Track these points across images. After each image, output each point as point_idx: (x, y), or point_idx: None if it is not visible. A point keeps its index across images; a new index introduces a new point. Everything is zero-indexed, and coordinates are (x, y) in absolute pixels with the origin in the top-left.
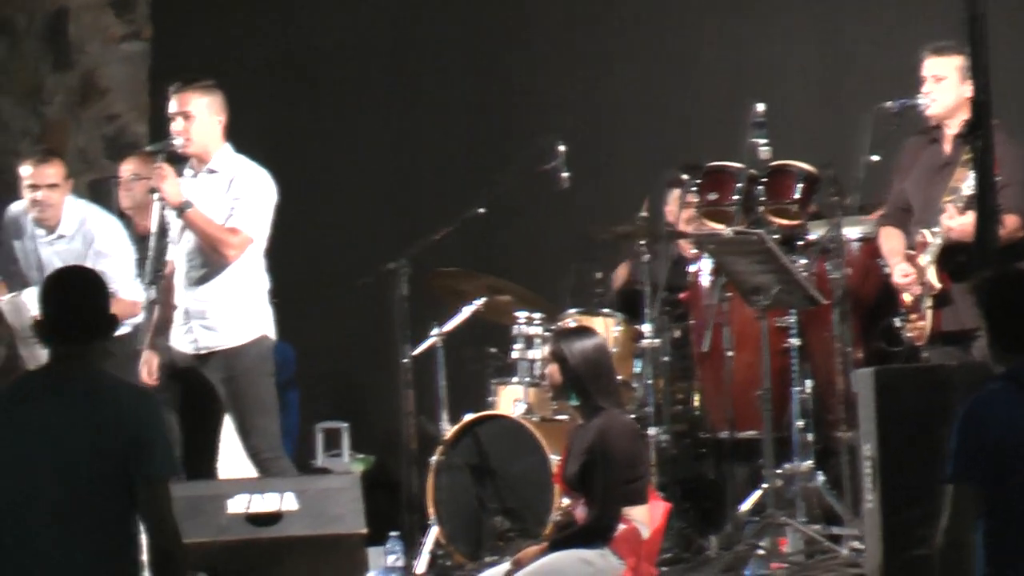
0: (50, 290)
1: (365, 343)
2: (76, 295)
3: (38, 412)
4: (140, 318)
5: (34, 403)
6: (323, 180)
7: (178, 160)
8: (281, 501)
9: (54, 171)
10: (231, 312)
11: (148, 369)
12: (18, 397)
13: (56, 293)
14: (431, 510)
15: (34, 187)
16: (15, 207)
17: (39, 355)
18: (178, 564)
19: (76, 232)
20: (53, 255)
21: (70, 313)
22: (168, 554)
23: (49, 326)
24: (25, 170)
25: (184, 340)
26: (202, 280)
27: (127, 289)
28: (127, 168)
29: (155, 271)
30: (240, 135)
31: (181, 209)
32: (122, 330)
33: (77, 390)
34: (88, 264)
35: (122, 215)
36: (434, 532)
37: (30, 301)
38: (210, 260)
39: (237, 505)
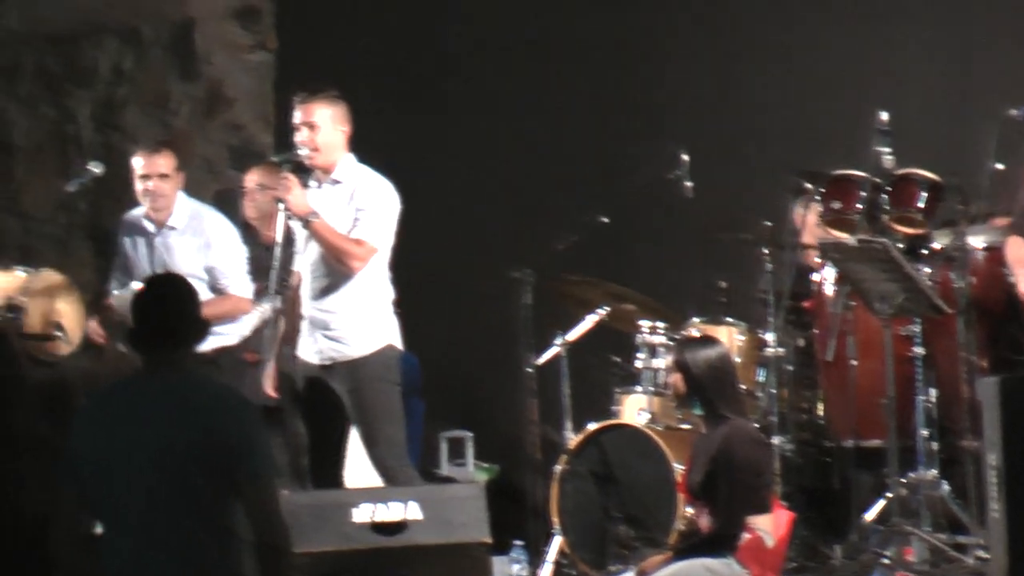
0: (139, 299)
1: (489, 352)
2: (165, 303)
3: (132, 417)
4: (253, 319)
5: (128, 408)
6: (447, 189)
7: (303, 170)
8: (406, 510)
9: (165, 161)
10: (356, 322)
11: (272, 381)
12: (112, 402)
13: (145, 301)
14: (555, 519)
15: (146, 177)
16: (131, 212)
17: None
18: (286, 560)
19: (187, 226)
20: (164, 247)
21: (159, 321)
22: (277, 550)
23: (139, 334)
24: (137, 161)
25: (309, 350)
26: (327, 290)
27: (237, 285)
28: (252, 178)
29: (280, 281)
30: (364, 144)
31: (307, 220)
32: (228, 340)
33: (169, 394)
34: (199, 258)
35: (247, 225)
36: (558, 541)
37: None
38: (335, 270)
39: (362, 514)
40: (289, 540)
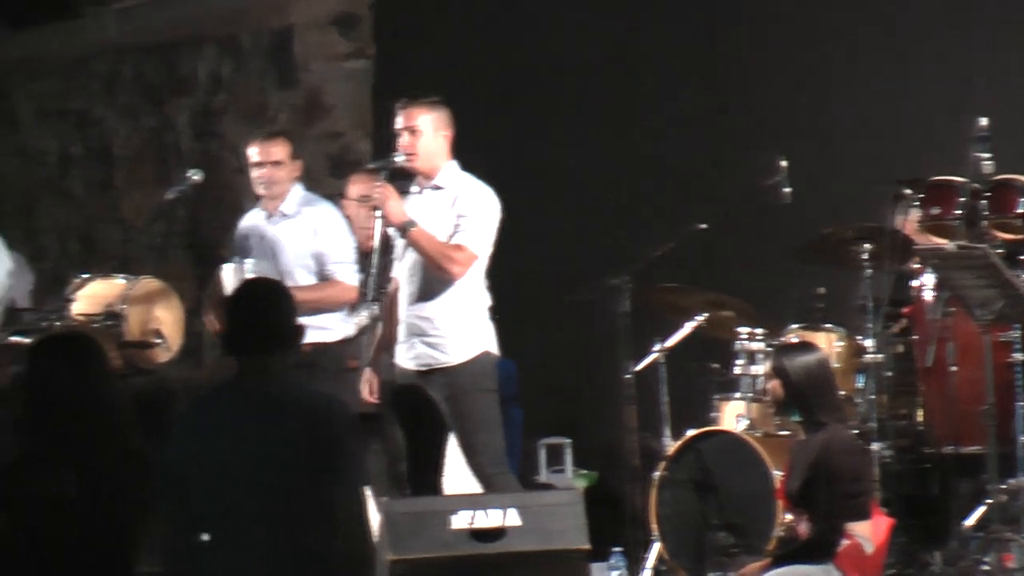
0: (234, 303)
1: (588, 359)
2: (259, 308)
3: (227, 424)
4: (353, 325)
5: (223, 415)
6: (545, 195)
7: (402, 176)
8: (504, 517)
9: (279, 149)
10: (453, 329)
11: (370, 387)
12: (208, 409)
13: (240, 306)
14: (654, 526)
15: (259, 164)
16: (249, 212)
17: None
18: (369, 567)
19: (297, 212)
20: (274, 234)
21: (253, 326)
22: (360, 557)
23: (234, 339)
24: (252, 150)
25: (407, 357)
26: (425, 297)
27: (344, 272)
28: (353, 188)
29: (378, 288)
30: (462, 150)
31: (404, 229)
32: (329, 336)
33: (263, 401)
34: (308, 245)
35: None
36: (657, 548)
37: (249, 266)
38: (433, 277)
39: (461, 521)
40: (373, 548)
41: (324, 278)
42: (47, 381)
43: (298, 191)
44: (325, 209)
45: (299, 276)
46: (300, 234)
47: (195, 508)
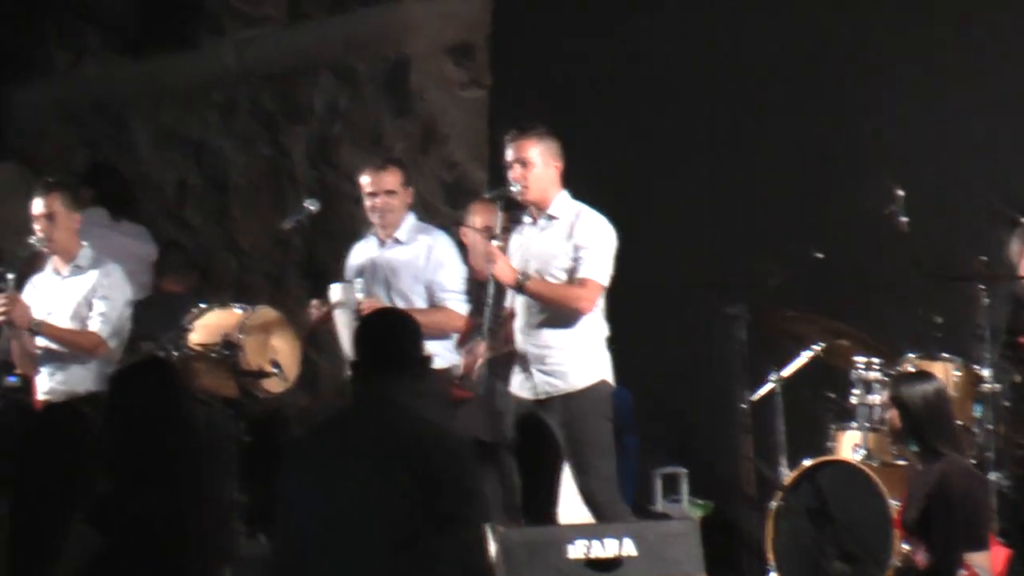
0: (360, 332)
1: (704, 388)
2: (385, 337)
3: (342, 452)
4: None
5: (338, 444)
6: (661, 223)
7: (515, 206)
8: (620, 546)
9: (392, 178)
10: (572, 357)
11: (484, 418)
12: (323, 438)
13: (366, 335)
14: (770, 555)
15: (372, 194)
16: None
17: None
18: None
19: (411, 240)
20: (387, 261)
21: (377, 355)
22: None
23: (359, 366)
24: (364, 178)
25: (523, 386)
26: (542, 326)
27: (454, 301)
28: (472, 216)
29: (494, 318)
30: (577, 179)
31: (519, 286)
32: (438, 363)
33: (380, 430)
34: (420, 272)
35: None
36: None
37: (359, 286)
38: (549, 307)
39: (577, 551)
40: None
41: (434, 306)
42: (134, 407)
43: (411, 219)
44: (438, 238)
45: (411, 303)
46: (413, 261)
47: (306, 537)
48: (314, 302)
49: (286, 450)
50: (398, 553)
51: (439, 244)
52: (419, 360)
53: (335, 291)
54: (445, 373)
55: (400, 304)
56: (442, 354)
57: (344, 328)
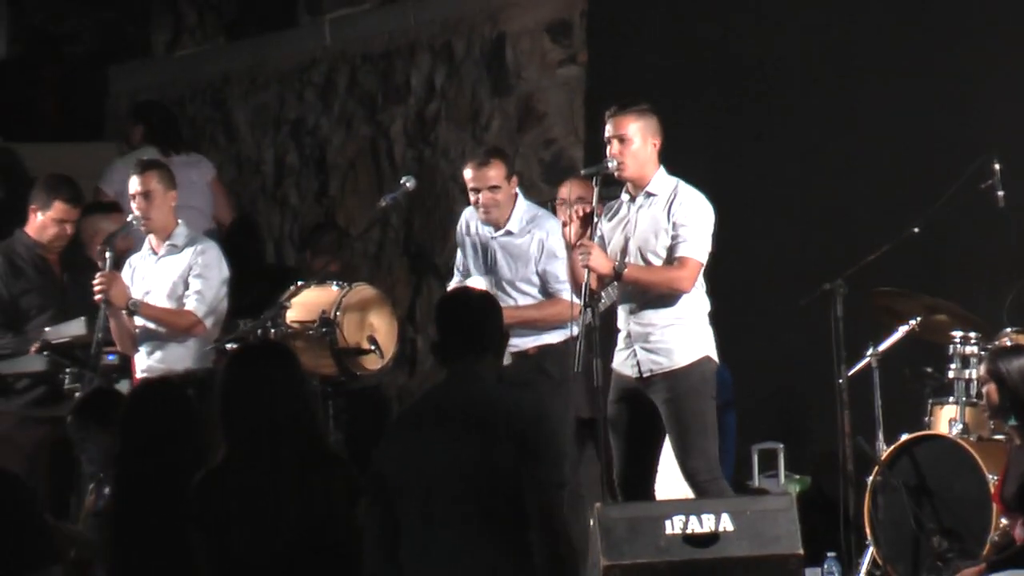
0: (441, 312)
1: (801, 364)
2: (467, 315)
3: (433, 430)
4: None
5: (429, 421)
6: (759, 200)
7: (612, 183)
8: (718, 522)
9: (494, 173)
10: (675, 335)
11: (585, 394)
12: (415, 416)
13: (448, 313)
14: (868, 530)
15: (476, 190)
16: (469, 209)
17: None
18: (570, 569)
19: (523, 229)
20: (499, 250)
21: (461, 332)
22: (559, 558)
23: (442, 345)
24: (467, 173)
25: (626, 364)
26: (645, 304)
27: (568, 291)
28: (566, 191)
29: (592, 296)
30: (677, 155)
31: (617, 275)
32: (552, 338)
33: (467, 406)
34: (533, 262)
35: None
36: (871, 553)
37: (475, 284)
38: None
39: (675, 526)
40: (574, 550)
41: (548, 295)
42: (246, 389)
43: (522, 206)
44: (550, 229)
45: (520, 291)
46: (526, 251)
47: (401, 514)
48: None
49: (385, 428)
50: (493, 521)
51: (551, 235)
52: (502, 337)
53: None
54: (563, 345)
55: (510, 292)
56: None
57: None
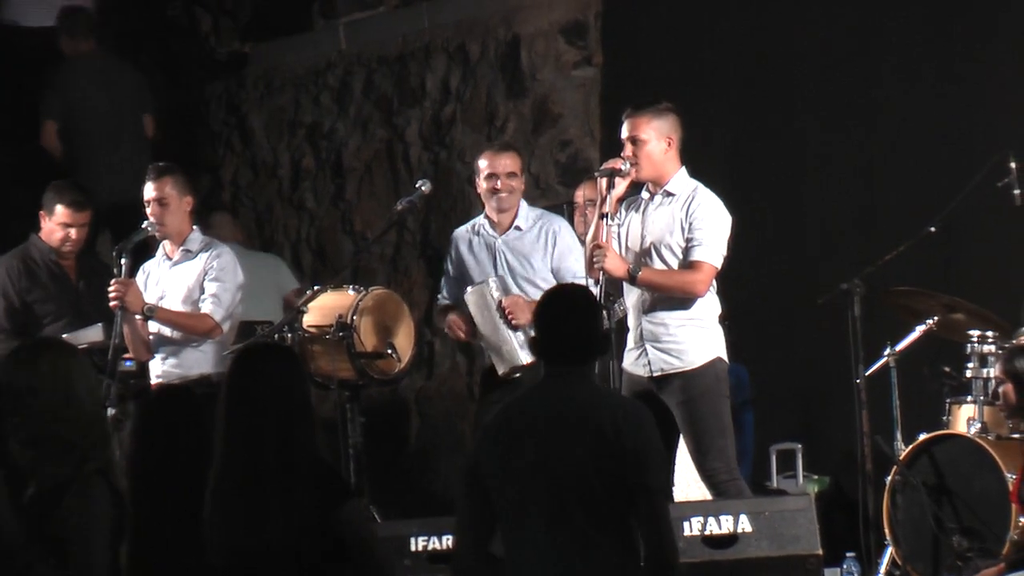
0: (546, 309)
1: (819, 364)
2: (573, 317)
3: (534, 429)
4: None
5: (530, 420)
6: (777, 200)
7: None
8: (736, 523)
9: (512, 160)
10: (687, 335)
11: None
12: (515, 414)
13: (552, 313)
14: (887, 530)
15: (492, 176)
16: (461, 228)
17: (516, 354)
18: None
19: (532, 226)
20: (507, 248)
21: (566, 334)
22: (665, 565)
23: (545, 345)
24: (482, 161)
25: (638, 363)
26: (657, 304)
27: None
28: (581, 194)
29: (606, 296)
30: (695, 155)
31: (632, 278)
32: None
33: (574, 405)
34: (544, 259)
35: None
36: (890, 552)
37: (494, 286)
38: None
39: (693, 527)
40: (677, 557)
41: None
42: (237, 387)
43: (526, 205)
44: (560, 224)
45: (538, 288)
46: (536, 248)
47: (499, 510)
48: (452, 317)
49: (477, 433)
50: (593, 526)
51: (563, 230)
52: (603, 338)
53: (470, 295)
54: None
55: (528, 290)
56: None
57: (489, 330)
